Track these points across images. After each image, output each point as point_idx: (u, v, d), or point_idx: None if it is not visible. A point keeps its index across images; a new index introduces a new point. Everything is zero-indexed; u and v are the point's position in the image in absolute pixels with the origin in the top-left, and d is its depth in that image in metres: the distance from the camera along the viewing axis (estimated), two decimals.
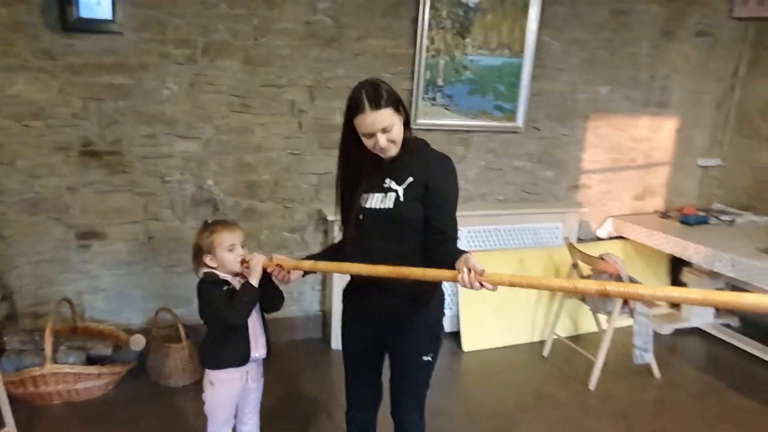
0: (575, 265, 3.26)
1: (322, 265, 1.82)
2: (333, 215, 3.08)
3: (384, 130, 1.60)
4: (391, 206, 1.67)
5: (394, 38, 3.15)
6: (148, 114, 2.84)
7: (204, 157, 3.00)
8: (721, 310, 3.92)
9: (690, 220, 3.68)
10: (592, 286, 1.41)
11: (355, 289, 1.86)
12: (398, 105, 1.64)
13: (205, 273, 1.84)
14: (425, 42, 3.16)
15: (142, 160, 2.89)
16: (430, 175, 1.66)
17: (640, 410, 2.86)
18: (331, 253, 1.89)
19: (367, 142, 1.64)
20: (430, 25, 3.14)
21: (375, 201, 1.70)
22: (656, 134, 3.92)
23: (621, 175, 3.91)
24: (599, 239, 3.90)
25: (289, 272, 1.80)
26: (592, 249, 3.34)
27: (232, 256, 1.82)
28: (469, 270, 1.40)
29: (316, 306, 3.41)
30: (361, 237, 1.73)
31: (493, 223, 3.48)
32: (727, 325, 3.82)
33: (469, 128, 3.40)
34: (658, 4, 3.66)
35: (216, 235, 1.82)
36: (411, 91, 3.24)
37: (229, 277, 1.85)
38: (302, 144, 3.15)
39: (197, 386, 2.81)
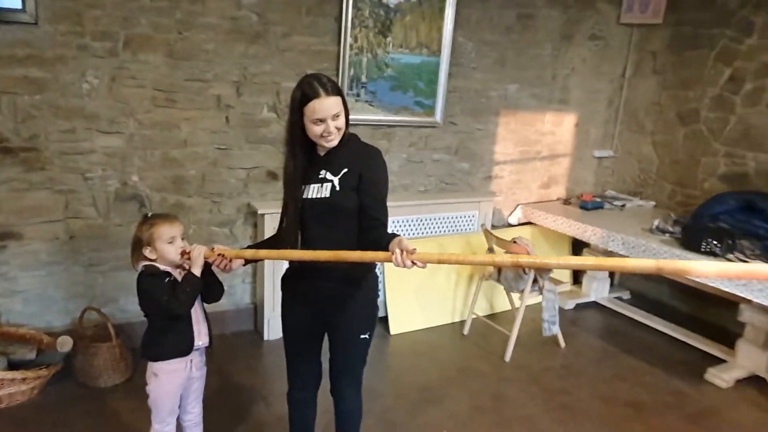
0: (490, 249, 3.54)
1: (264, 253, 1.92)
2: (263, 209, 3.17)
3: (334, 117, 1.71)
4: (328, 195, 1.79)
5: (319, 35, 3.24)
6: (66, 108, 2.75)
7: (127, 153, 2.94)
8: (614, 285, 4.41)
9: (588, 206, 4.11)
10: (507, 259, 1.64)
11: (295, 274, 1.97)
12: (344, 98, 1.77)
13: (145, 266, 1.87)
14: (349, 40, 3.28)
15: (61, 157, 2.79)
16: (363, 166, 1.80)
17: (549, 375, 3.20)
18: (272, 242, 1.99)
19: (316, 130, 1.73)
20: (353, 23, 3.27)
21: (312, 191, 1.81)
22: (558, 128, 4.31)
23: (529, 166, 4.26)
24: (511, 225, 4.24)
25: (231, 261, 1.88)
26: (505, 234, 3.64)
27: (172, 248, 1.87)
28: (402, 250, 1.56)
29: (247, 298, 3.46)
30: (300, 225, 1.85)
31: (415, 212, 3.69)
32: (620, 298, 4.31)
33: (392, 123, 3.58)
34: (558, 10, 4.02)
35: (156, 228, 1.86)
36: None
37: (169, 269, 1.89)
38: (229, 139, 3.17)
39: (128, 384, 2.81)
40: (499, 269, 3.49)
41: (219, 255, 1.86)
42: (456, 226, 3.87)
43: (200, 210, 3.20)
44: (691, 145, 4.13)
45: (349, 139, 1.85)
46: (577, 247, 4.30)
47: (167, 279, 1.86)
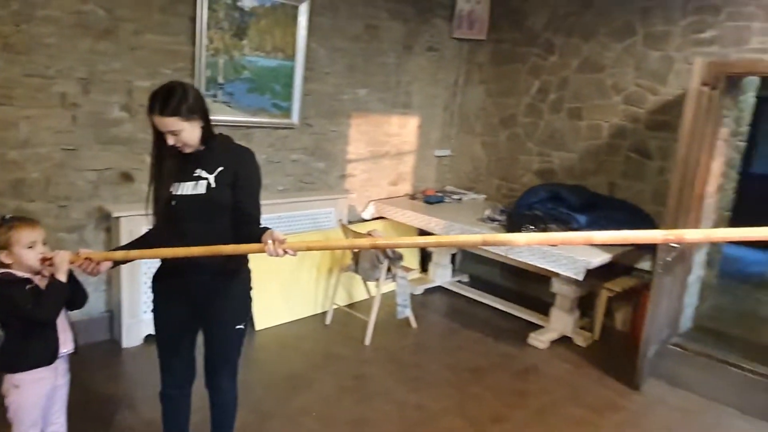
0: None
1: (136, 253, 1.93)
2: (118, 212, 3.06)
3: (172, 133, 1.80)
4: (204, 192, 1.88)
5: (174, 35, 3.21)
6: None
7: None
8: (456, 270, 4.98)
9: (431, 200, 4.59)
10: (366, 242, 1.89)
11: (169, 271, 2.01)
12: (189, 113, 1.80)
13: (0, 273, 1.79)
14: (204, 41, 3.30)
15: None
16: (238, 164, 1.92)
17: (404, 353, 3.57)
18: (142, 241, 2.01)
19: (166, 139, 1.82)
20: (208, 24, 3.29)
21: (186, 188, 1.89)
22: (404, 130, 4.74)
23: (378, 164, 4.63)
24: (364, 220, 4.56)
25: (98, 264, 1.88)
26: (360, 228, 3.94)
27: (32, 254, 1.80)
28: (274, 241, 1.72)
29: (102, 307, 3.31)
30: (175, 222, 1.91)
31: (276, 211, 3.82)
32: (460, 281, 4.88)
33: (250, 124, 3.66)
34: (399, 23, 4.42)
35: (15, 231, 1.78)
36: None
37: (29, 276, 1.82)
38: (77, 139, 3.01)
39: None
40: (357, 261, 3.77)
41: (86, 259, 1.85)
42: (314, 223, 4.08)
43: (45, 215, 2.98)
44: (511, 145, 4.82)
45: (221, 140, 1.97)
46: (423, 236, 4.78)
47: (28, 286, 1.80)
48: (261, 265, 3.72)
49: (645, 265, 4.05)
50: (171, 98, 1.78)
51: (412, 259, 4.78)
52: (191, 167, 1.90)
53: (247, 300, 2.11)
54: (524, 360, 3.60)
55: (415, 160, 4.93)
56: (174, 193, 1.89)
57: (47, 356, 1.86)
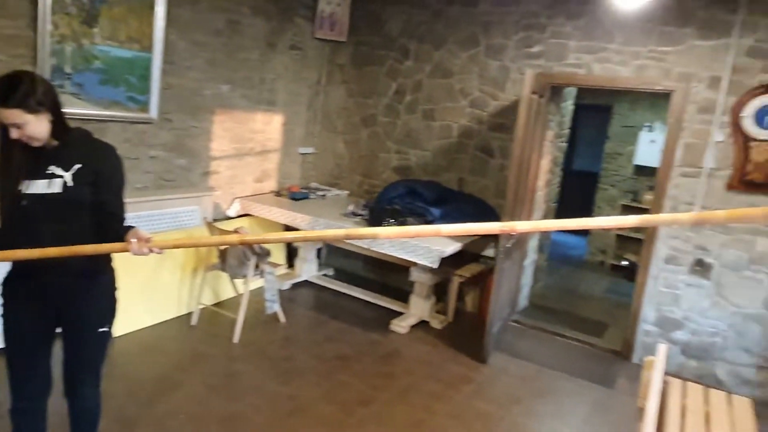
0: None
1: None
2: None
3: (15, 126, 1.70)
4: (60, 191, 1.78)
5: (12, 18, 2.92)
6: None
7: None
8: (322, 264, 5.12)
9: (296, 197, 4.68)
10: (235, 238, 1.93)
11: (22, 274, 1.89)
12: (35, 106, 1.70)
13: None
14: (48, 26, 3.04)
15: None
16: (99, 162, 1.85)
17: (273, 347, 3.64)
18: None
19: (10, 132, 1.71)
20: (53, 8, 3.04)
21: (39, 187, 1.78)
22: (268, 127, 4.76)
23: (243, 161, 4.60)
24: (230, 218, 4.50)
25: None
26: (227, 226, 3.90)
27: None
28: (138, 239, 1.71)
29: None
30: (26, 223, 1.79)
31: (134, 210, 3.61)
32: (326, 275, 5.04)
33: (104, 118, 3.44)
34: (262, 20, 4.43)
35: None
36: None
37: None
38: None
39: None
40: (224, 259, 3.74)
41: None
42: (178, 221, 3.95)
43: None
44: (372, 143, 5.08)
45: (78, 135, 1.87)
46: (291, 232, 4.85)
47: None
48: (118, 267, 3.53)
49: (490, 252, 4.55)
50: (15, 89, 1.67)
51: (278, 255, 4.82)
52: (43, 164, 1.79)
53: (112, 301, 2.04)
54: (388, 345, 3.86)
55: (280, 157, 4.97)
56: (24, 191, 1.77)
57: None
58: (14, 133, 1.70)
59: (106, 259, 1.98)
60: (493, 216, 4.33)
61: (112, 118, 3.49)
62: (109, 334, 2.02)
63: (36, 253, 1.71)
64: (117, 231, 1.79)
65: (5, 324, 1.92)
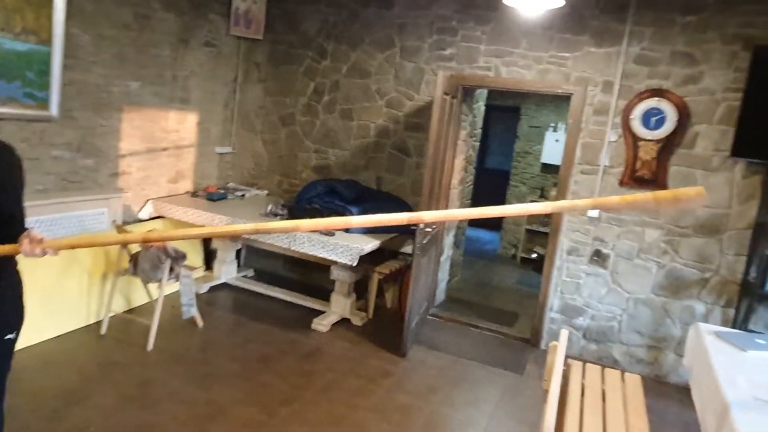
0: (123, 245, 3.61)
1: None
2: None
3: None
4: None
5: None
6: None
7: None
8: (241, 266, 5.03)
9: (214, 197, 4.57)
10: (138, 236, 1.88)
11: None
12: None
13: None
14: None
15: None
16: None
17: (191, 352, 3.56)
18: None
19: None
20: None
21: None
22: (182, 126, 4.61)
23: (156, 161, 4.42)
24: (142, 220, 4.32)
25: None
26: (138, 229, 3.75)
27: None
28: (30, 240, 1.64)
29: None
30: None
31: (35, 213, 3.40)
32: (246, 276, 4.96)
33: None
34: (174, 15, 4.28)
35: None
36: None
37: None
38: None
39: None
40: (135, 263, 3.60)
41: None
42: (84, 225, 3.74)
43: None
44: (291, 142, 5.06)
45: None
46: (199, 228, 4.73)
47: None
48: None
49: (408, 249, 4.68)
50: None
51: (196, 258, 4.69)
52: None
53: (18, 305, 1.92)
54: (309, 344, 3.89)
55: (196, 156, 4.83)
56: None
57: None
58: None
59: (8, 261, 1.86)
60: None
61: (6, 116, 3.25)
62: (13, 342, 1.90)
63: None
64: (14, 233, 1.70)
65: None
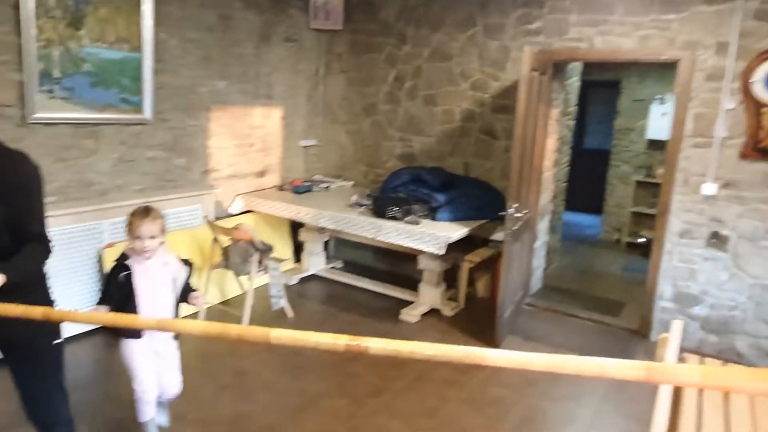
0: (216, 239, 3.74)
1: None
2: None
3: None
4: None
5: None
6: None
7: None
8: (330, 257, 5.07)
9: (299, 190, 4.63)
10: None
11: None
12: None
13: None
14: (33, 31, 3.01)
15: None
16: (6, 174, 1.66)
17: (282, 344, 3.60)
18: None
19: None
20: (36, 13, 3.00)
21: None
22: (268, 121, 4.70)
23: (244, 158, 4.55)
24: (232, 215, 4.47)
25: None
26: (229, 223, 3.87)
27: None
28: None
29: None
30: None
31: None
32: (335, 268, 4.99)
33: (97, 121, 3.42)
34: (254, 14, 4.36)
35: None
36: (22, 83, 3.04)
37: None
38: None
39: None
40: (227, 256, 3.71)
41: None
42: (180, 221, 3.93)
43: None
44: (374, 132, 5.01)
45: None
46: (295, 227, 4.81)
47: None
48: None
49: (499, 236, 4.45)
50: None
51: (285, 250, 4.79)
52: None
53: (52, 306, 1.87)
54: (398, 335, 3.81)
55: (282, 151, 4.91)
56: None
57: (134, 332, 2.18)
58: None
59: (35, 279, 1.82)
60: (499, 199, 4.23)
61: (105, 121, 3.46)
62: (63, 345, 1.89)
63: None
64: (36, 246, 1.69)
65: None
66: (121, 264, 2.16)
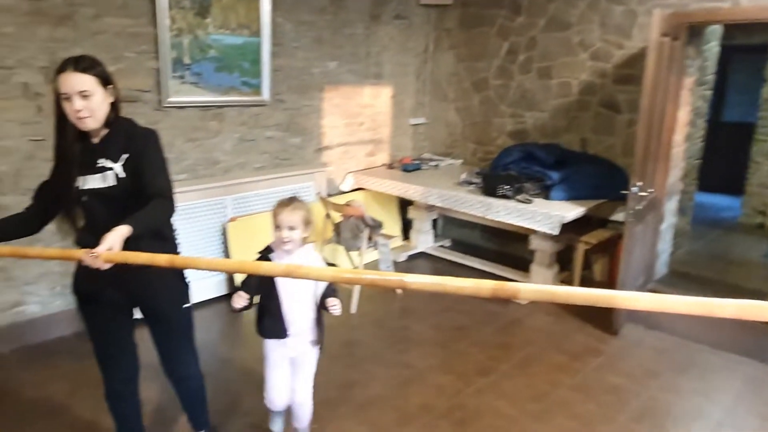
0: (328, 216, 3.87)
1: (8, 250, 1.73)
2: None
3: (82, 95, 1.64)
4: (115, 183, 1.75)
5: (134, 17, 3.18)
6: None
7: None
8: (438, 236, 5.05)
9: (408, 168, 4.64)
10: (277, 268, 1.72)
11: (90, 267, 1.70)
12: (106, 81, 1.71)
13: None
14: (166, 21, 3.27)
15: None
16: (140, 147, 1.77)
17: (390, 317, 3.66)
18: (15, 224, 1.84)
19: (67, 107, 1.66)
20: (169, 4, 3.26)
21: (94, 182, 1.75)
22: (377, 100, 4.75)
23: (354, 136, 4.65)
24: (343, 192, 4.60)
25: None
26: (340, 200, 3.98)
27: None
28: (93, 252, 1.55)
29: (58, 301, 3.25)
30: (87, 217, 1.80)
31: (253, 188, 3.84)
32: (443, 246, 4.96)
33: (221, 104, 3.66)
34: None
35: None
36: (158, 70, 3.33)
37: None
38: (44, 129, 2.96)
39: None
40: (338, 232, 3.83)
41: None
42: None
43: (17, 208, 2.95)
44: (484, 109, 4.86)
45: (123, 124, 1.81)
46: (404, 204, 4.84)
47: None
48: (241, 243, 3.77)
49: (619, 216, 4.15)
50: (91, 60, 1.69)
51: (393, 227, 4.84)
52: (94, 157, 1.75)
53: (184, 277, 2.00)
54: (507, 315, 3.71)
55: (391, 129, 4.95)
56: (81, 187, 1.75)
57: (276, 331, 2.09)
58: (78, 104, 1.63)
59: (167, 238, 1.93)
60: (621, 177, 3.93)
61: (228, 103, 3.69)
62: (191, 310, 2.03)
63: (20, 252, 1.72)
64: (167, 208, 1.75)
65: (84, 314, 1.95)
66: (264, 256, 2.06)
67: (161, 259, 1.62)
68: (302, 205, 2.05)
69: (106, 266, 1.57)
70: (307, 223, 2.05)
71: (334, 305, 2.09)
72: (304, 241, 2.06)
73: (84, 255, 1.55)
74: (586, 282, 4.18)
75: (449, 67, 5.02)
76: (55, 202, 1.81)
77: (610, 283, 4.08)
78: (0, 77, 2.80)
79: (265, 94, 3.86)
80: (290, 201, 2.05)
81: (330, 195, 4.33)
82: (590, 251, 4.08)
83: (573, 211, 3.61)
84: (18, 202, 2.95)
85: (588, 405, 2.73)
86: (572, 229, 3.82)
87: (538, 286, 1.09)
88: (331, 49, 4.25)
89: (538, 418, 2.64)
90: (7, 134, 2.88)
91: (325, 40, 4.19)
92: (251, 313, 3.62)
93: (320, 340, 2.21)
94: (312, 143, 4.32)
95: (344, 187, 4.60)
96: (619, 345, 3.31)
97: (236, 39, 3.62)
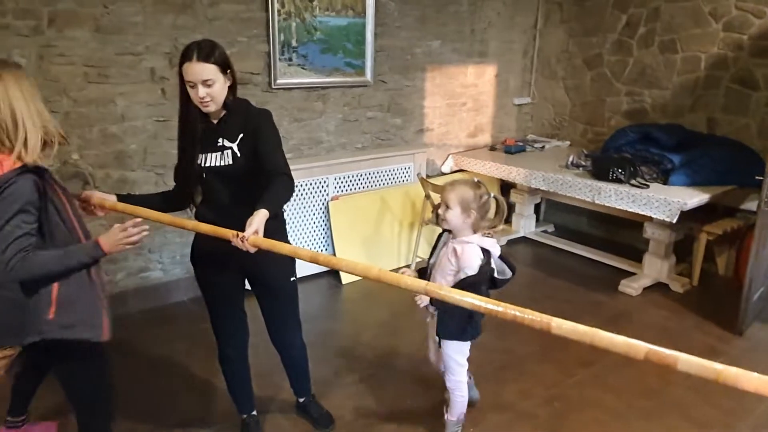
0: (428, 196, 3.84)
1: (145, 212, 1.84)
2: None
3: (206, 83, 1.74)
4: (231, 162, 1.86)
5: (246, 3, 3.33)
6: None
7: (65, 131, 2.95)
8: (540, 221, 4.85)
9: (511, 150, 4.48)
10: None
11: (206, 236, 1.80)
12: (226, 67, 1.80)
13: None
14: (276, 5, 3.39)
15: None
16: (256, 126, 1.87)
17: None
18: (160, 200, 1.99)
19: (191, 92, 1.78)
20: None
21: (214, 160, 1.87)
22: (480, 80, 4.62)
23: (456, 117, 4.56)
24: (444, 174, 4.54)
25: (95, 208, 1.88)
26: (440, 182, 3.93)
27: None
28: (240, 235, 1.61)
29: (178, 269, 3.50)
30: (207, 193, 1.93)
31: (355, 168, 3.91)
32: (545, 231, 4.76)
33: (325, 85, 3.74)
34: None
35: None
36: (269, 53, 3.46)
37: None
38: (167, 110, 3.23)
39: None
40: (437, 213, 3.79)
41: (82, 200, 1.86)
42: (394, 178, 4.13)
43: (145, 183, 3.27)
44: (597, 87, 4.55)
45: (240, 106, 1.90)
46: (505, 187, 4.69)
47: None
48: (342, 221, 3.86)
49: (751, 205, 3.72)
50: (211, 48, 1.77)
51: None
52: (213, 136, 1.87)
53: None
54: (615, 307, 3.49)
55: (494, 110, 4.80)
56: (203, 165, 1.88)
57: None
58: (201, 91, 1.74)
59: (279, 219, 2.00)
60: (755, 161, 3.52)
61: (332, 84, 3.77)
62: (296, 283, 2.13)
63: (190, 225, 1.81)
64: (289, 185, 1.80)
65: (200, 283, 2.08)
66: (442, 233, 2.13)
67: (304, 254, 1.72)
68: (457, 187, 2.04)
69: (253, 250, 1.63)
70: (465, 206, 2.01)
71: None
72: (473, 227, 2.06)
73: (233, 237, 1.63)
74: (707, 276, 3.82)
75: (559, 43, 4.75)
76: (185, 180, 1.97)
77: (735, 278, 3.69)
78: (130, 63, 3.06)
79: (368, 75, 3.89)
80: (454, 181, 2.08)
81: (429, 176, 4.30)
82: (714, 242, 3.71)
83: (696, 197, 3.29)
84: (145, 177, 3.24)
85: (705, 408, 2.50)
86: (693, 217, 3.50)
87: (700, 361, 0.94)
88: (434, 27, 4.18)
89: (647, 416, 2.47)
90: (136, 115, 3.15)
91: (429, 18, 4.13)
92: (350, 291, 3.72)
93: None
94: (413, 124, 4.30)
95: (444, 169, 4.54)
96: (743, 346, 2.99)
97: (341, 20, 3.67)
